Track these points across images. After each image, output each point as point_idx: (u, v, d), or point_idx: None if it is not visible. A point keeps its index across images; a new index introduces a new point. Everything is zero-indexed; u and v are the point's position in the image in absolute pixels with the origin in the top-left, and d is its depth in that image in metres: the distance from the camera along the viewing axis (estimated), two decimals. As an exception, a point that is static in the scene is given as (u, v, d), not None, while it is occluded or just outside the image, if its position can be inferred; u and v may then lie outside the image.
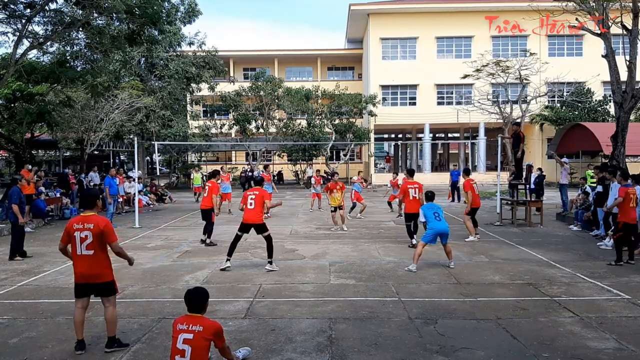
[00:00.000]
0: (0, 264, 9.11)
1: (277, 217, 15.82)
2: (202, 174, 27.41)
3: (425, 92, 36.79)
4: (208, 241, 10.83)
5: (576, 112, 31.88)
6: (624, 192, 8.83)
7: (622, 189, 8.96)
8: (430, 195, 8.98)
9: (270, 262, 8.41)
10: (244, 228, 8.47)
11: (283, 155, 36.12)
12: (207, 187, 11.22)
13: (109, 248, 4.95)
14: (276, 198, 13.42)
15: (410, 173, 11.63)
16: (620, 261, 8.49)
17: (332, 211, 12.98)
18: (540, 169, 17.24)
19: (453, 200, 20.72)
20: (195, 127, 32.84)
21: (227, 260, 8.44)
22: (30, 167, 14.32)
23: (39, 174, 16.16)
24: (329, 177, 14.74)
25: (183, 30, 29.72)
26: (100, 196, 5.29)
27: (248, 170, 28.91)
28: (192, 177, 25.56)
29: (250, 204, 8.43)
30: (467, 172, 12.41)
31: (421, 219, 8.69)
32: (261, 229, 8.43)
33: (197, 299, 3.92)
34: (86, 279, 4.84)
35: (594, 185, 12.90)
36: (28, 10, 13.95)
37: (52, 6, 14.17)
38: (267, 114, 32.27)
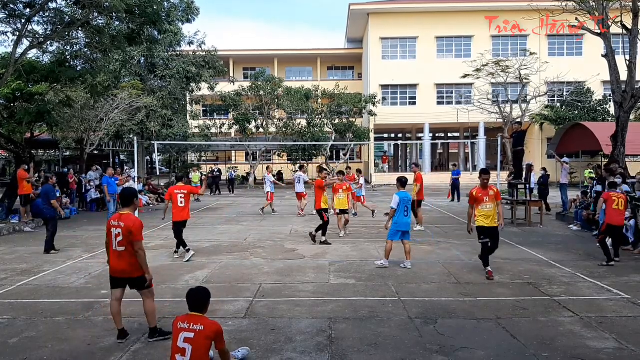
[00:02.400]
0: (0, 263, 9.12)
1: (277, 217, 15.83)
2: (201, 173, 27.29)
3: (425, 92, 36.78)
4: (323, 239, 10.73)
5: (576, 112, 31.89)
6: (606, 195, 9.04)
7: (605, 193, 9.23)
8: (404, 181, 8.52)
9: (188, 251, 9.25)
10: (179, 224, 9.32)
11: (283, 155, 36.13)
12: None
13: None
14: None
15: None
16: (611, 261, 8.54)
17: (337, 214, 11.89)
18: (544, 169, 17.23)
19: (453, 199, 20.73)
20: (195, 126, 32.84)
21: (176, 252, 9.44)
22: (27, 167, 14.30)
23: (39, 173, 16.16)
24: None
25: (183, 29, 29.71)
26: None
27: (216, 170, 28.70)
28: (190, 176, 25.38)
29: (181, 202, 9.28)
30: (417, 166, 14.11)
31: (393, 204, 8.19)
32: (185, 224, 9.50)
33: (199, 298, 3.96)
34: (119, 273, 5.12)
35: (593, 180, 12.99)
36: (28, 9, 13.92)
37: (52, 6, 14.16)
38: (267, 113, 32.26)
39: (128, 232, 5.00)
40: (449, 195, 21.43)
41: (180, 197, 9.27)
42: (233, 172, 30.13)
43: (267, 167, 19.02)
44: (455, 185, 21.00)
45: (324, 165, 18.24)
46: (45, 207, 10.32)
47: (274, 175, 18.41)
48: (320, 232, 10.77)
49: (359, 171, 17.04)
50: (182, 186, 9.68)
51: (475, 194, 7.73)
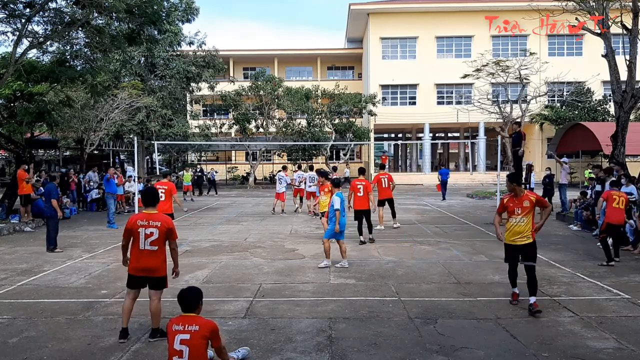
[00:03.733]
0: (0, 263, 9.12)
1: (277, 217, 15.83)
2: (194, 172, 27.26)
3: (425, 92, 36.78)
4: (370, 237, 10.87)
5: (576, 112, 31.89)
6: (606, 194, 9.07)
7: (606, 192, 9.28)
8: (337, 183, 8.77)
9: None
10: None
11: (283, 155, 36.12)
12: (361, 187, 10.84)
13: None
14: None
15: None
16: (611, 261, 8.54)
17: (320, 217, 11.59)
18: (549, 169, 17.21)
19: (444, 198, 20.98)
20: (195, 126, 32.84)
21: None
22: (27, 167, 14.31)
23: (39, 173, 16.15)
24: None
25: (183, 29, 29.72)
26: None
27: (198, 170, 28.69)
28: (181, 174, 25.34)
29: (161, 196, 9.54)
30: (382, 167, 14.35)
31: (336, 205, 8.26)
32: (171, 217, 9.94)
33: (190, 298, 3.95)
34: (145, 272, 5.14)
35: (593, 180, 12.97)
36: (28, 9, 13.91)
37: (52, 5, 14.16)
38: (267, 113, 32.25)
39: (169, 231, 5.12)
40: (438, 188, 21.92)
41: (161, 192, 9.83)
42: (215, 173, 30.20)
43: (284, 167, 18.39)
44: (443, 183, 21.40)
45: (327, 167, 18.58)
46: (46, 205, 10.41)
47: (299, 169, 17.95)
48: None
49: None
50: (165, 182, 10.53)
51: (505, 202, 6.38)
